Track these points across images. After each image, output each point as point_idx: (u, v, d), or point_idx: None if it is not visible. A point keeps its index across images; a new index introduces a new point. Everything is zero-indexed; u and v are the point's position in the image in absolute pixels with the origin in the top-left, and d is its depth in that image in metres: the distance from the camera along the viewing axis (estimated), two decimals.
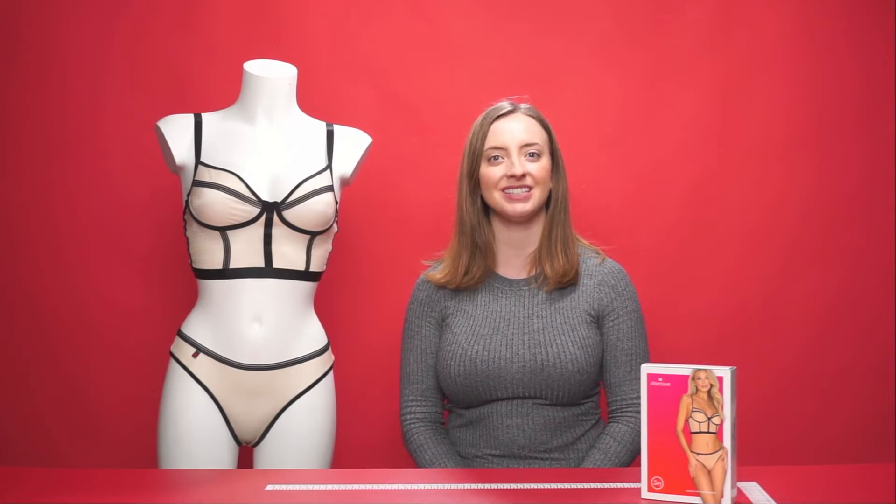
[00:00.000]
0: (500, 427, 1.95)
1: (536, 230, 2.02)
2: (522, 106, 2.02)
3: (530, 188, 1.96)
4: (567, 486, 1.53)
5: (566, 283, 1.98)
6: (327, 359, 2.06)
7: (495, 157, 1.97)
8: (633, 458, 1.94)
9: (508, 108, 2.01)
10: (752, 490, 1.46)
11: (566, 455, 1.94)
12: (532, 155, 1.97)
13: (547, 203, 2.03)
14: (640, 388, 1.87)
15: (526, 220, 2.00)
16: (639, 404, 1.89)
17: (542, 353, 1.92)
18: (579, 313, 1.97)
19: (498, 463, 1.95)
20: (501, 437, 1.95)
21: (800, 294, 2.43)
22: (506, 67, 2.45)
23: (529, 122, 2.00)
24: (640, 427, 1.85)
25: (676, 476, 1.41)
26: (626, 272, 2.04)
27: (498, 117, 2.00)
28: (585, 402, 1.98)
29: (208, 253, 1.97)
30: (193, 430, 1.95)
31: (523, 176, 1.95)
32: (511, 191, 1.96)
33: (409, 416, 2.03)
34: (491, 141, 1.98)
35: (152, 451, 2.01)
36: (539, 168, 1.97)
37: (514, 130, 1.98)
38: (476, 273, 2.01)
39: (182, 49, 2.42)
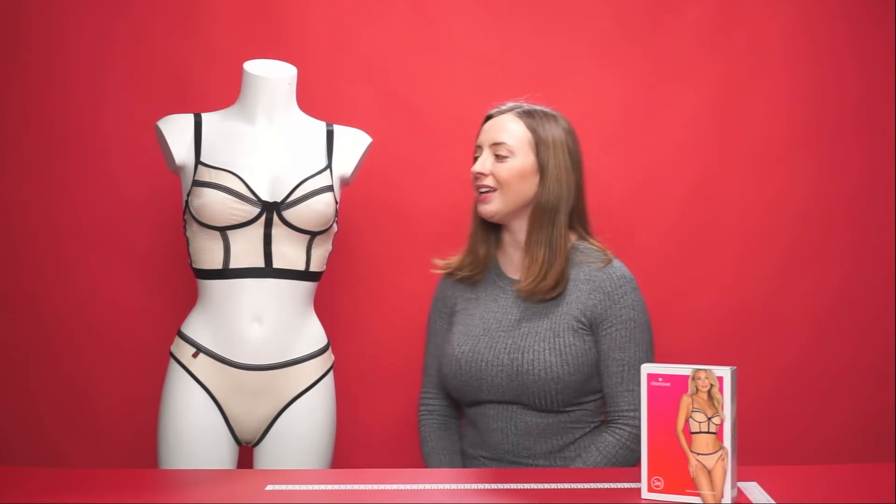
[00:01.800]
0: (488, 430, 1.95)
1: (522, 233, 1.99)
2: (521, 108, 1.99)
3: (492, 189, 1.95)
4: (567, 486, 1.53)
5: (534, 288, 1.91)
6: (327, 359, 2.06)
7: (476, 156, 2.00)
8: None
9: (503, 108, 2.00)
10: (752, 490, 1.46)
11: (552, 462, 1.91)
12: (500, 156, 1.94)
13: None
14: (631, 399, 1.86)
15: (503, 221, 1.98)
16: (629, 416, 1.88)
17: (519, 358, 1.89)
18: (567, 319, 1.91)
19: (488, 465, 1.95)
20: (489, 439, 1.95)
21: (800, 294, 2.43)
22: (506, 67, 2.45)
23: (512, 124, 1.96)
24: (628, 439, 1.85)
25: (676, 476, 1.41)
26: (629, 278, 1.94)
27: (490, 117, 2.00)
28: (574, 410, 1.92)
29: (208, 253, 1.97)
30: (193, 430, 1.95)
31: (481, 175, 1.95)
32: (480, 190, 1.97)
33: (421, 408, 2.08)
34: (478, 140, 2.01)
35: (152, 451, 2.01)
36: (503, 169, 1.93)
37: (491, 130, 1.97)
38: (483, 259, 2.02)
39: (182, 49, 2.42)
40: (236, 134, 2.02)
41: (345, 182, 2.11)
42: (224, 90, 2.26)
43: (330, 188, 2.01)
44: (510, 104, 2.01)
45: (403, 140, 2.44)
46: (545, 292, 1.92)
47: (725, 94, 2.44)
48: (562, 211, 1.94)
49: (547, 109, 2.01)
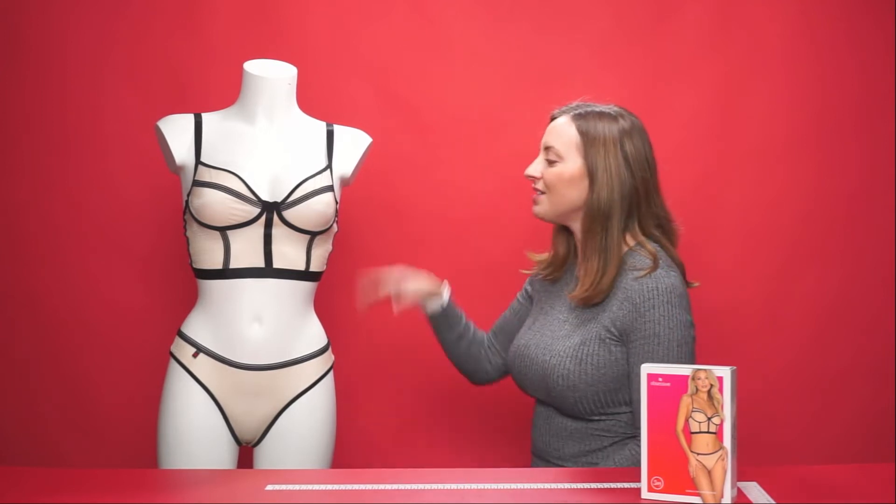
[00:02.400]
0: (534, 426, 1.98)
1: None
2: (577, 109, 1.94)
3: (541, 192, 1.93)
4: (567, 486, 1.53)
5: (588, 296, 1.87)
6: (327, 359, 2.06)
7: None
8: None
9: (564, 109, 1.96)
10: (752, 490, 1.46)
11: (577, 464, 1.87)
12: (550, 160, 1.92)
13: None
14: None
15: (555, 222, 1.97)
16: (638, 436, 1.79)
17: (547, 362, 1.87)
18: (598, 329, 1.85)
19: (533, 461, 1.96)
20: (533, 435, 1.97)
21: (800, 294, 2.43)
22: (506, 67, 2.45)
23: (563, 127, 1.91)
24: (627, 465, 1.78)
25: (676, 476, 1.41)
26: (664, 290, 1.83)
27: (552, 119, 1.98)
28: (603, 420, 1.85)
29: (208, 253, 1.97)
30: (193, 430, 1.95)
31: (532, 178, 1.93)
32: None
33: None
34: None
35: (152, 451, 2.01)
36: (551, 173, 1.90)
37: (548, 133, 1.95)
38: (563, 258, 2.01)
39: (182, 49, 2.42)
40: (236, 134, 2.02)
41: (345, 182, 2.11)
42: (224, 90, 2.26)
43: (330, 188, 2.01)
44: (572, 105, 1.96)
45: (403, 140, 2.44)
46: (596, 299, 1.87)
47: (725, 94, 2.44)
48: (615, 216, 1.87)
49: (606, 109, 1.93)
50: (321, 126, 2.10)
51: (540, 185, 1.93)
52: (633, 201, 1.88)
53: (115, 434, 2.39)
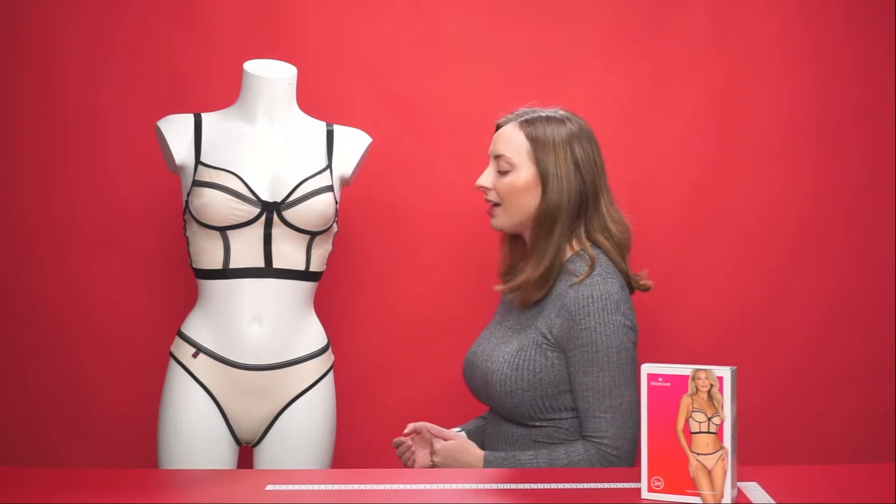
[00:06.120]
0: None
1: None
2: (525, 115, 1.93)
3: (495, 204, 1.92)
4: (567, 486, 1.53)
5: (522, 297, 1.88)
6: (327, 359, 2.06)
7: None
8: None
9: (509, 116, 1.95)
10: (752, 490, 1.46)
11: None
12: (502, 170, 1.90)
13: None
14: (598, 425, 1.78)
15: (513, 233, 1.95)
16: (597, 440, 1.78)
17: (489, 367, 1.87)
18: (535, 334, 1.84)
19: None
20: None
21: (800, 294, 2.43)
22: (506, 68, 2.45)
23: (512, 135, 1.90)
24: (595, 458, 1.76)
25: (676, 476, 1.41)
26: (599, 297, 1.80)
27: (498, 127, 1.97)
28: (545, 426, 1.84)
29: (208, 253, 1.97)
30: (193, 430, 1.95)
31: (484, 189, 1.92)
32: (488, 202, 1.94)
33: None
34: (489, 150, 1.97)
35: (152, 451, 2.01)
36: (503, 184, 1.89)
37: (496, 142, 1.93)
38: (510, 272, 1.99)
39: (182, 49, 2.41)
40: (236, 134, 2.02)
41: (345, 182, 2.11)
42: (224, 90, 2.26)
43: (330, 188, 2.01)
44: (518, 112, 1.95)
45: (403, 140, 2.44)
46: (530, 298, 1.87)
47: (725, 95, 2.44)
48: (560, 220, 1.86)
49: (554, 113, 1.93)
50: (321, 126, 2.10)
51: (493, 197, 1.92)
52: (581, 205, 1.88)
53: (115, 434, 2.39)
